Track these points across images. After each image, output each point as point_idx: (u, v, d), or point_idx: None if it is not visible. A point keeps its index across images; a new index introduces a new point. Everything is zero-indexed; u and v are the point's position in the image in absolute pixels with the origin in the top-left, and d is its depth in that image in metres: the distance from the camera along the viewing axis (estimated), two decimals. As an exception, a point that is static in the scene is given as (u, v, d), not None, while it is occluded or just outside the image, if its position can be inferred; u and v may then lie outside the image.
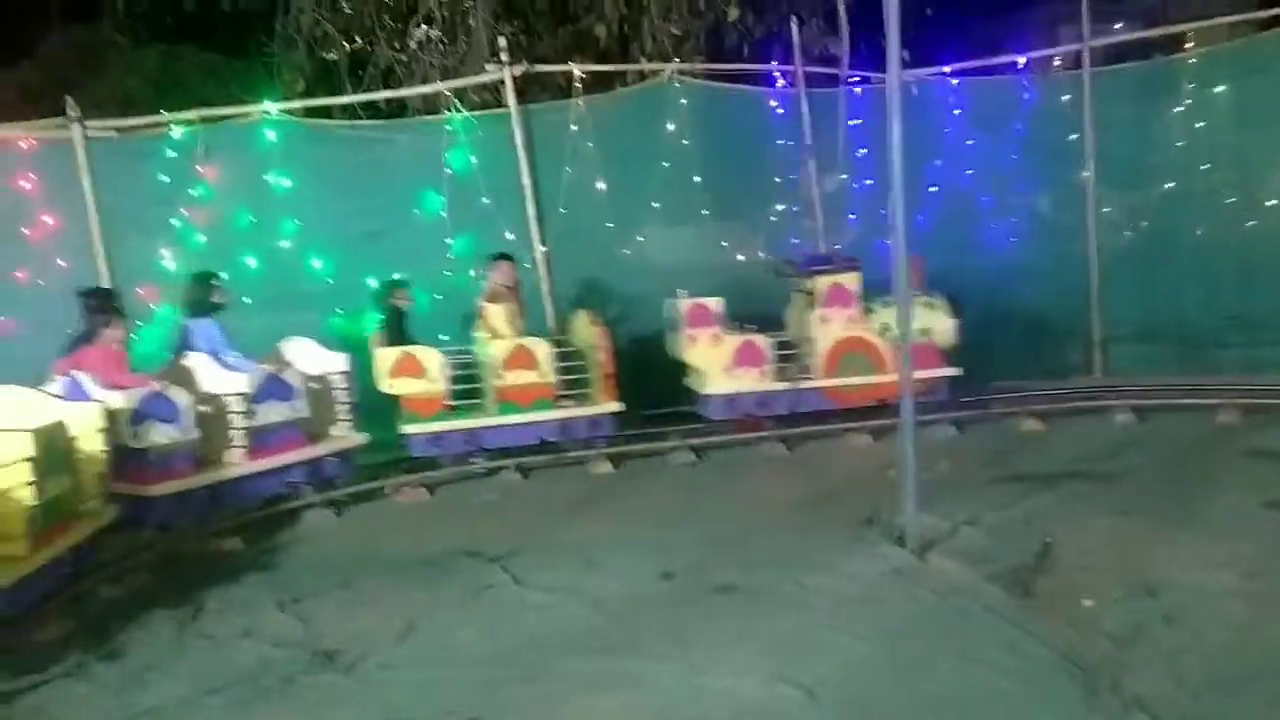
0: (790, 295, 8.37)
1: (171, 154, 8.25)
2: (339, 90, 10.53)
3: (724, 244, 9.27)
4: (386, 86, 10.58)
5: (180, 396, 6.18)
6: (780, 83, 9.56)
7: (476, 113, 8.99)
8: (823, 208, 9.61)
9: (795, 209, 9.64)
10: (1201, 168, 9.25)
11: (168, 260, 8.22)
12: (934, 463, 6.74)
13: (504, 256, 8.07)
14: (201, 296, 6.91)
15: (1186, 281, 9.06)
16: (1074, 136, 9.52)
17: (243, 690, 4.01)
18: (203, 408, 6.32)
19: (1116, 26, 10.99)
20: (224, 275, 7.25)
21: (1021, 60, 9.74)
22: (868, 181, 9.57)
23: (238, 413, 6.46)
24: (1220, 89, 9.29)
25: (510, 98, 8.72)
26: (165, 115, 8.33)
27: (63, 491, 5.06)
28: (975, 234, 9.77)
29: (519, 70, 8.78)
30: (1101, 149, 9.42)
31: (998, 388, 8.55)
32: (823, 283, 7.99)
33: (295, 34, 11.28)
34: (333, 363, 7.20)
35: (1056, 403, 8.12)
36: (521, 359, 7.49)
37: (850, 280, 8.00)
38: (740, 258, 9.42)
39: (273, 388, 6.70)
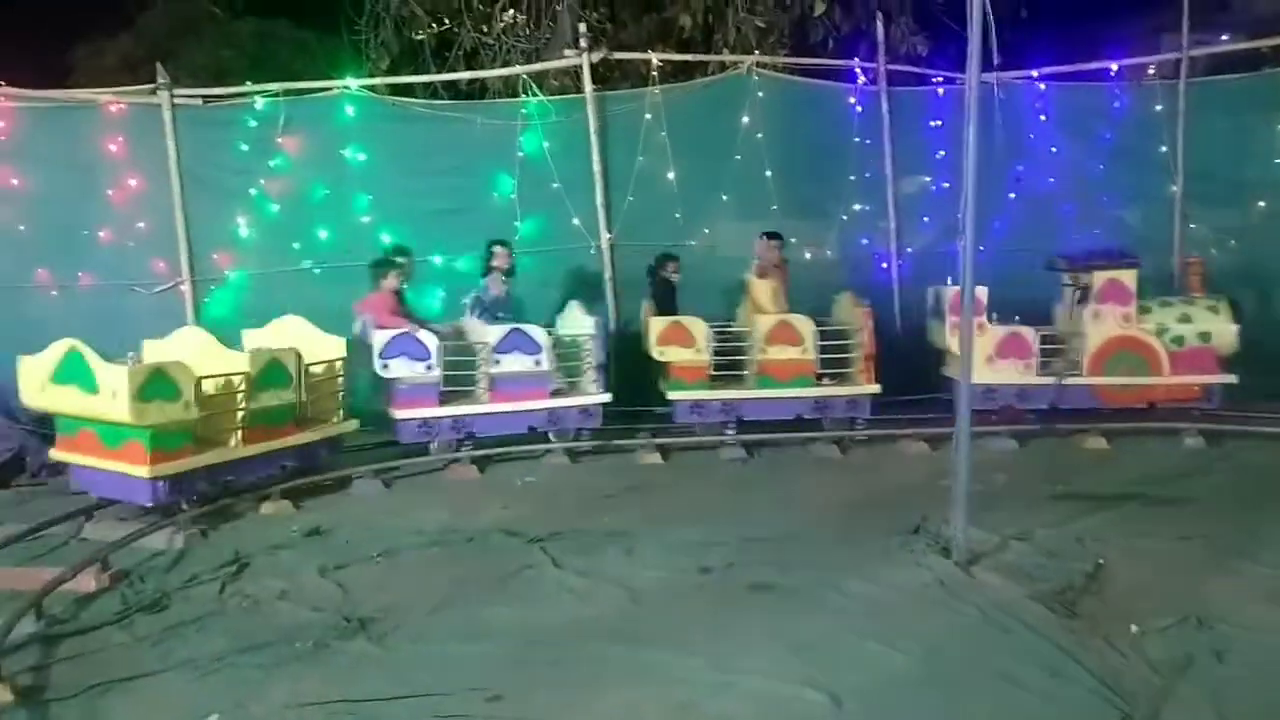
0: (1061, 290, 8.27)
1: (253, 124, 8.47)
2: (423, 70, 10.69)
3: (792, 240, 9.13)
4: (469, 69, 10.70)
5: (429, 340, 7.16)
6: (861, 80, 9.39)
7: (553, 98, 9.06)
8: (899, 209, 9.45)
9: (869, 208, 9.49)
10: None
11: (242, 227, 8.45)
12: (990, 475, 6.62)
13: (773, 234, 8.31)
14: (485, 261, 7.92)
15: (1275, 305, 8.67)
16: (1164, 149, 9.18)
17: (276, 651, 4.09)
18: (450, 354, 7.27)
19: (1223, 38, 10.56)
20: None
21: (1114, 67, 9.40)
22: (944, 184, 9.37)
23: (481, 359, 7.32)
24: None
25: (586, 84, 8.75)
26: (249, 86, 8.55)
27: (281, 404, 6.47)
28: (1054, 244, 9.47)
29: (597, 56, 8.79)
30: (1193, 163, 9.08)
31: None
32: (1098, 278, 7.85)
33: (384, 13, 11.46)
34: (586, 325, 7.63)
35: (1124, 421, 7.86)
36: (785, 335, 7.67)
37: (1127, 277, 7.82)
38: (807, 255, 9.29)
39: (517, 341, 7.35)
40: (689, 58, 9.97)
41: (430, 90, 9.89)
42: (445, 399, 7.31)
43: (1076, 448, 7.50)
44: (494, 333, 7.37)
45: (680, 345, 7.63)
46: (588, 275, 8.76)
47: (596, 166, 8.74)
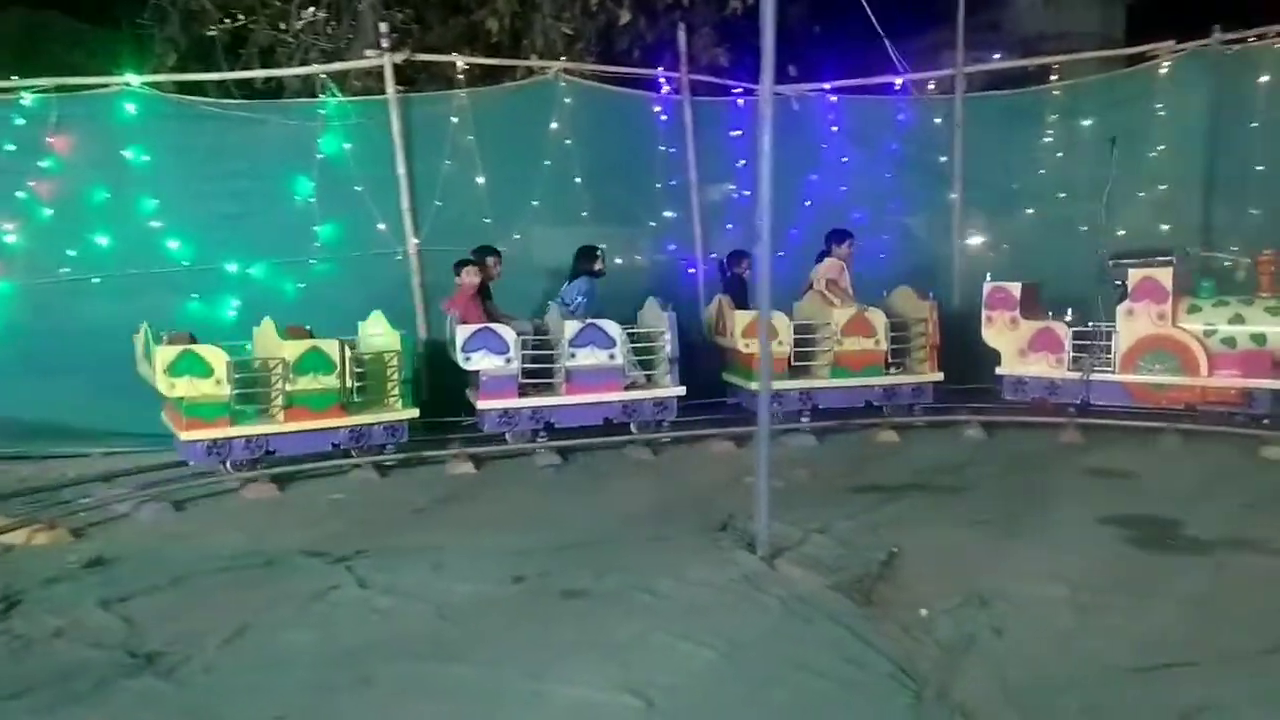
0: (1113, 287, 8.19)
1: (20, 122, 7.79)
2: (214, 67, 10.13)
3: (603, 246, 9.20)
4: (265, 67, 10.21)
5: (508, 334, 7.51)
6: (665, 89, 9.59)
7: (354, 99, 8.78)
8: (704, 216, 9.70)
9: (675, 215, 9.70)
10: (1059, 196, 9.65)
11: (10, 234, 7.76)
12: (792, 471, 6.90)
13: (847, 233, 8.80)
14: (582, 264, 8.35)
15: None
16: (944, 159, 9.84)
17: (51, 694, 3.76)
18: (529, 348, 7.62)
19: (995, 56, 11.41)
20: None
21: (898, 81, 10.00)
22: (745, 192, 9.70)
23: (558, 354, 7.66)
24: (1082, 121, 9.74)
25: (389, 85, 8.52)
26: (15, 81, 7.85)
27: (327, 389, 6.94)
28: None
29: (400, 57, 8.59)
30: (970, 172, 9.77)
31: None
32: (1134, 275, 7.83)
33: (170, 6, 10.79)
34: (661, 321, 7.89)
35: (913, 415, 8.37)
36: (859, 327, 8.12)
37: (1163, 275, 7.70)
38: (619, 262, 9.40)
39: (592, 336, 7.66)
40: (495, 62, 9.89)
41: (222, 89, 9.38)
42: (525, 391, 7.58)
43: (870, 441, 7.94)
44: (570, 327, 7.65)
45: None
46: (393, 281, 8.52)
47: (401, 170, 8.53)
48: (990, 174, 9.79)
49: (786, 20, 12.64)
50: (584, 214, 9.12)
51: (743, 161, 9.65)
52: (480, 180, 8.74)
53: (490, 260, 8.06)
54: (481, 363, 7.49)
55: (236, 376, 6.72)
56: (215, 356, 6.66)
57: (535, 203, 8.98)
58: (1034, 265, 9.65)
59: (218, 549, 5.51)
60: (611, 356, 7.72)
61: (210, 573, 5.11)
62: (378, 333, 7.47)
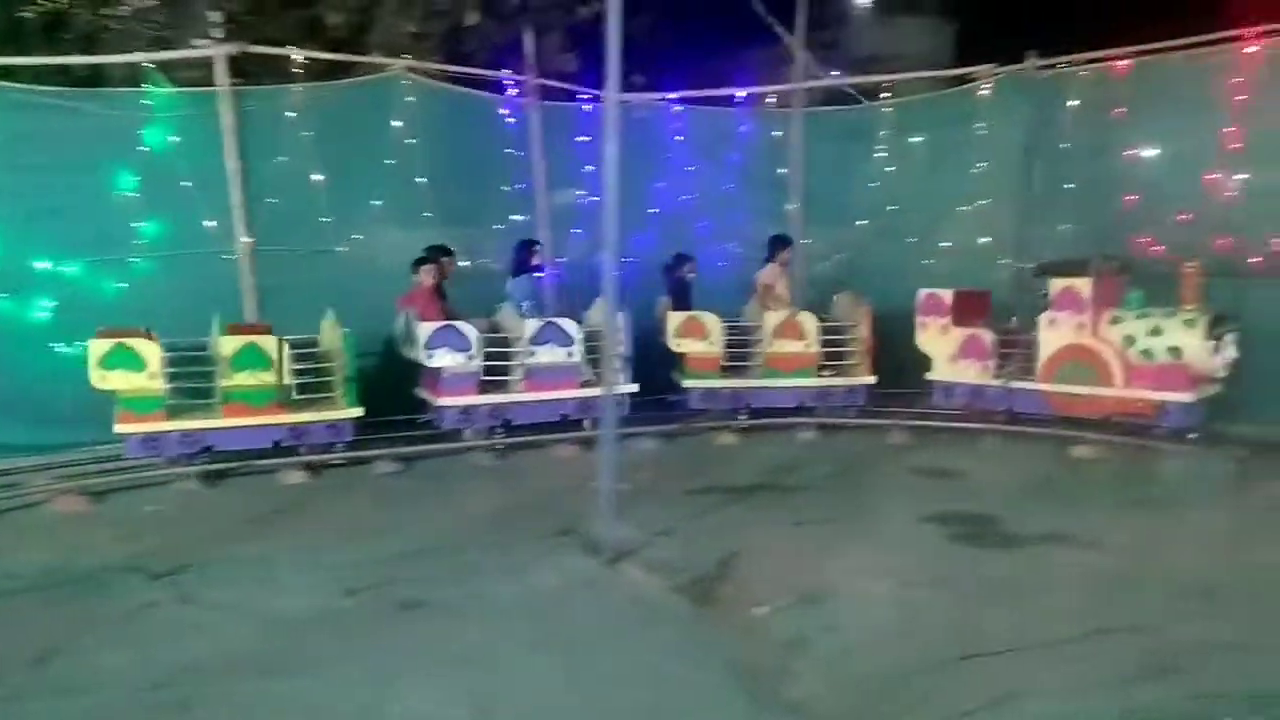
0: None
1: None
2: (27, 51, 9.40)
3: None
4: (87, 54, 9.55)
5: (470, 331, 7.60)
6: (512, 92, 9.51)
7: (182, 90, 8.33)
8: (553, 221, 9.67)
9: (523, 219, 9.63)
10: (889, 209, 10.10)
11: None
12: (636, 474, 6.94)
13: (786, 240, 9.16)
14: (522, 259, 8.67)
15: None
16: (783, 171, 10.15)
17: None
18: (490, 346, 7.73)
19: (834, 73, 11.83)
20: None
21: (741, 94, 10.24)
22: (594, 198, 9.71)
23: (518, 351, 7.75)
24: (910, 138, 10.23)
25: (220, 77, 8.11)
26: None
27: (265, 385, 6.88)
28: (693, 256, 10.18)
29: (232, 48, 8.19)
30: (808, 184, 10.10)
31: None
32: (1055, 285, 7.84)
33: (-24, -16, 9.96)
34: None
35: (754, 418, 8.57)
36: (791, 330, 8.39)
37: (1082, 285, 7.66)
38: (465, 264, 9.24)
39: (552, 334, 7.83)
40: (335, 57, 9.55)
41: (36, 76, 8.71)
42: (484, 388, 7.67)
43: (711, 444, 8.09)
44: (530, 325, 7.81)
45: (695, 338, 8.44)
46: (224, 281, 8.12)
47: (232, 165, 8.13)
48: (826, 186, 10.14)
49: (633, 30, 12.80)
50: (428, 215, 8.92)
51: (590, 167, 9.66)
52: (318, 178, 8.43)
53: (445, 260, 8.27)
54: (444, 359, 7.53)
55: (169, 370, 6.60)
56: (148, 350, 6.57)
57: (377, 202, 8.73)
58: (867, 273, 10.08)
59: (22, 567, 5.12)
60: (570, 354, 7.84)
61: (14, 593, 4.75)
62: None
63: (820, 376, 8.55)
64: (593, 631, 4.32)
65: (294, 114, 8.37)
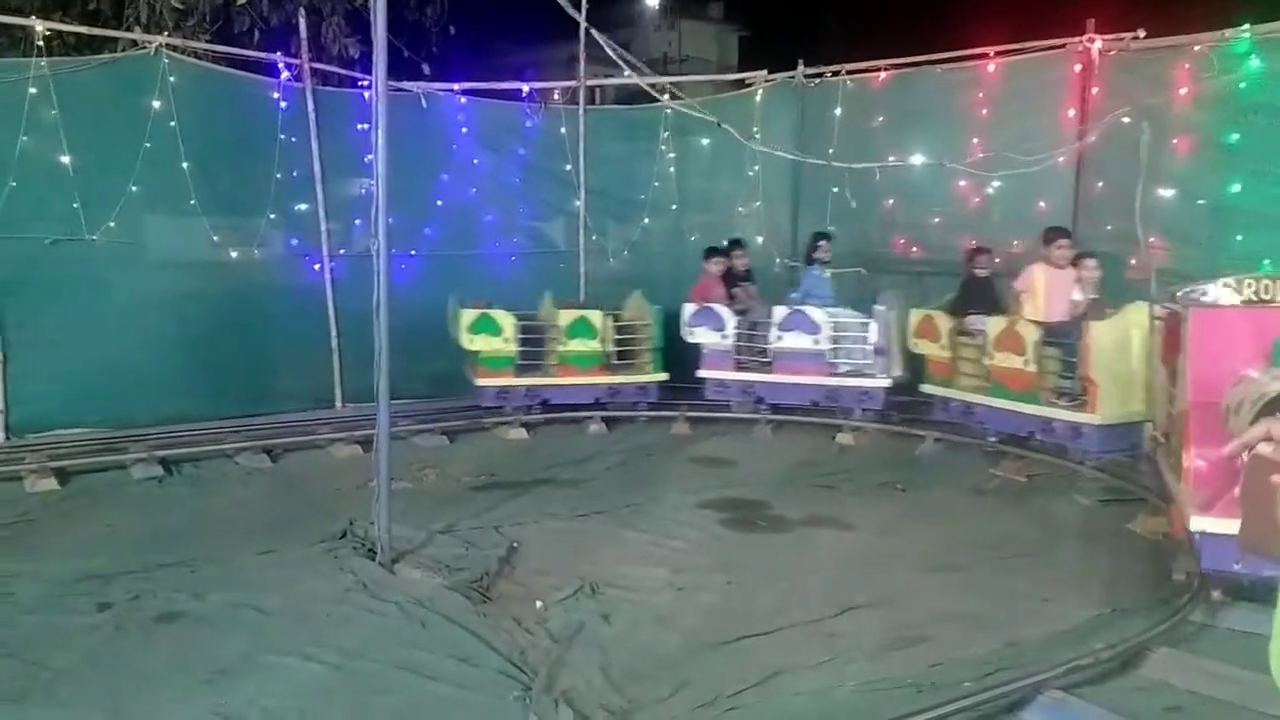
0: None
1: None
2: None
3: (215, 238, 8.58)
4: None
5: (726, 314, 8.56)
6: (285, 75, 9.10)
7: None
8: (334, 211, 9.33)
9: (298, 208, 9.24)
10: (673, 207, 10.39)
11: None
12: (419, 472, 6.85)
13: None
14: (809, 251, 9.15)
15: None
16: (569, 167, 10.24)
17: None
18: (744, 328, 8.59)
19: (626, 73, 12.01)
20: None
21: (526, 88, 10.24)
22: (374, 188, 9.42)
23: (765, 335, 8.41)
24: (691, 139, 10.56)
25: (-52, 45, 7.35)
26: None
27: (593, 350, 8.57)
28: (479, 250, 10.12)
29: (-41, 15, 7.43)
30: (593, 182, 10.23)
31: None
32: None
33: None
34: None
35: (541, 413, 8.63)
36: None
37: None
38: (234, 255, 8.78)
39: (798, 321, 8.28)
40: (84, 30, 8.84)
41: None
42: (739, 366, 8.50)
43: (500, 439, 8.07)
44: (778, 312, 8.31)
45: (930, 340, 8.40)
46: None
47: (-35, 144, 7.38)
48: (611, 183, 10.31)
49: (423, 20, 12.53)
50: (192, 202, 8.39)
51: (371, 156, 9.35)
52: (65, 160, 7.77)
53: (736, 253, 9.23)
54: (702, 338, 8.49)
55: (520, 336, 8.32)
56: (505, 319, 8.33)
57: (134, 188, 8.13)
58: (652, 270, 10.34)
59: None
60: (816, 342, 8.13)
61: None
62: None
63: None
64: (365, 635, 4.19)
65: (35, 90, 7.66)
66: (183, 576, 4.83)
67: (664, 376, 8.79)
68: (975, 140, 8.84)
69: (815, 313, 8.30)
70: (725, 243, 9.40)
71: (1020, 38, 8.71)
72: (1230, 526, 3.91)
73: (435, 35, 12.48)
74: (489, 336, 8.35)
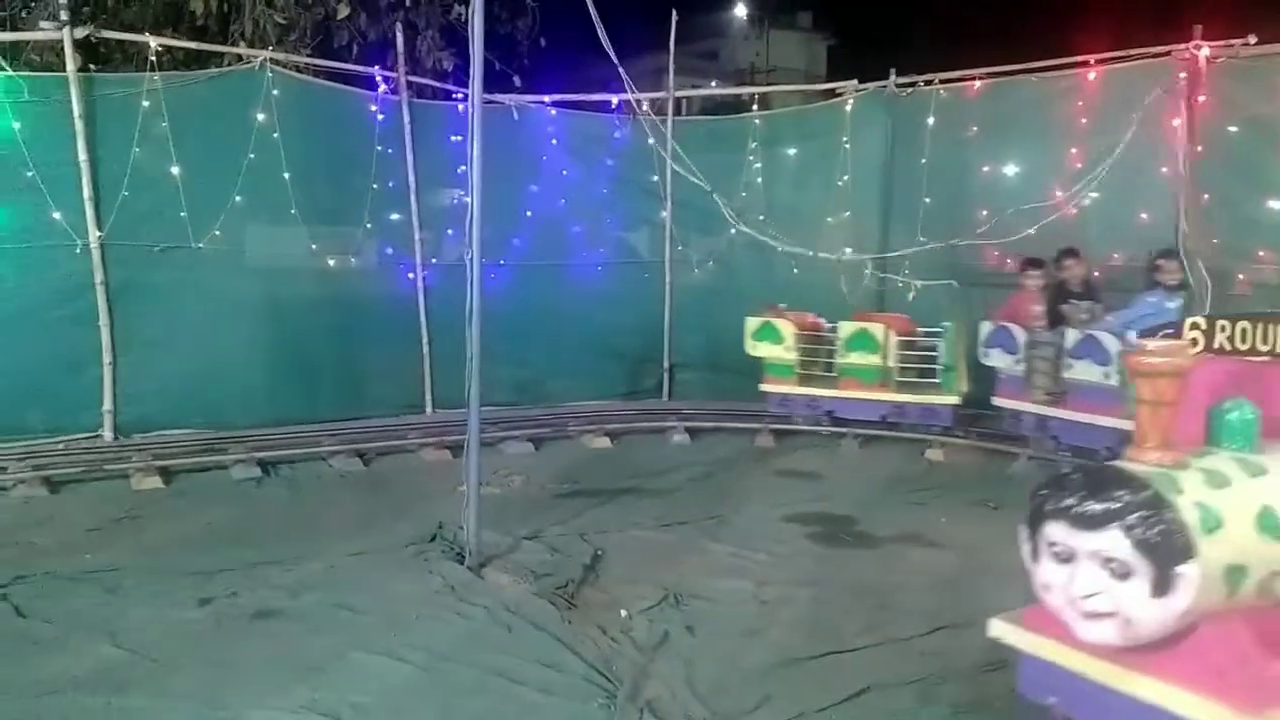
0: None
1: None
2: None
3: (314, 246, 8.84)
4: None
5: (1019, 335, 7.61)
6: (383, 89, 9.35)
7: (27, 74, 7.88)
8: (428, 221, 9.54)
9: (393, 218, 9.47)
10: (759, 218, 10.35)
11: None
12: (507, 479, 6.94)
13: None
14: (1149, 271, 7.48)
15: (737, 315, 9.94)
16: (655, 178, 10.28)
17: None
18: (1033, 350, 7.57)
19: (713, 83, 12.03)
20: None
21: (615, 100, 10.32)
22: (467, 199, 9.60)
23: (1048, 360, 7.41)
24: (780, 149, 10.50)
25: (69, 62, 7.71)
26: None
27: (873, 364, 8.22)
28: (566, 260, 10.22)
29: (81, 32, 7.80)
30: (679, 192, 10.25)
31: (572, 407, 9.01)
32: None
33: None
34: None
35: (626, 422, 8.67)
36: None
37: None
38: (331, 262, 9.04)
39: (1090, 349, 7.01)
40: (194, 45, 9.23)
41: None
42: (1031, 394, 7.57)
43: (585, 447, 8.13)
44: (1070, 335, 7.20)
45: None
46: (72, 275, 7.73)
47: (83, 156, 7.73)
48: (698, 194, 10.32)
49: (514, 33, 12.76)
50: (293, 212, 8.67)
51: (464, 167, 9.55)
52: (175, 171, 8.10)
53: (1069, 263, 7.87)
54: (994, 360, 7.76)
55: (800, 346, 8.38)
56: (786, 327, 8.40)
57: (238, 198, 8.43)
58: (737, 281, 10.31)
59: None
60: (1106, 375, 6.91)
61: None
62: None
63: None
64: (453, 637, 4.26)
65: (149, 103, 8.01)
66: (278, 574, 4.97)
67: (955, 400, 8.10)
68: (1073, 150, 8.60)
69: (1108, 338, 6.95)
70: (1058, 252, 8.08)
71: (1122, 45, 8.46)
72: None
73: (527, 47, 12.68)
74: (771, 344, 8.48)
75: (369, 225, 9.30)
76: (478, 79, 5.02)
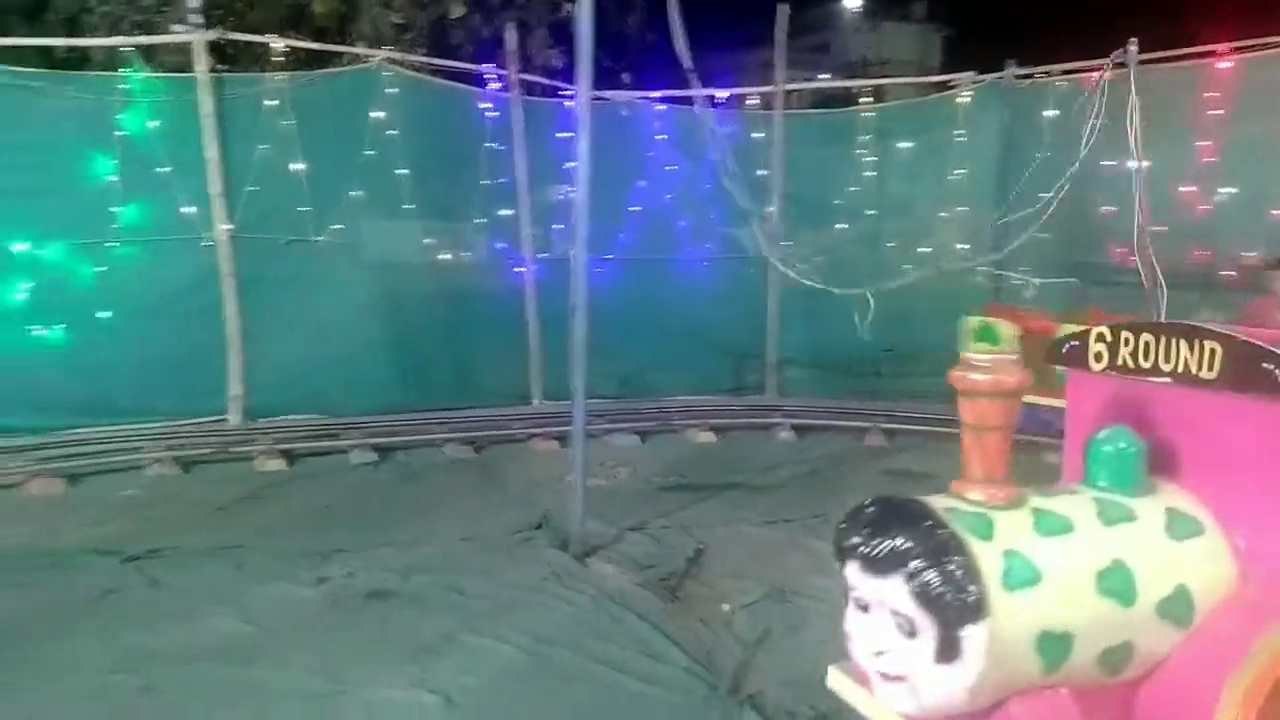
0: None
1: None
2: (8, 33, 9.35)
3: (427, 241, 9.09)
4: (70, 36, 9.51)
5: None
6: (494, 86, 9.52)
7: (162, 75, 8.31)
8: (536, 217, 9.69)
9: (503, 213, 9.65)
10: (869, 213, 10.17)
11: None
12: (613, 470, 7.01)
13: None
14: None
15: (850, 314, 9.85)
16: (764, 172, 10.20)
17: None
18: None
19: (823, 76, 11.88)
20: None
21: (722, 94, 10.28)
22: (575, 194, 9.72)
23: None
24: (892, 142, 10.29)
25: (200, 63, 8.10)
26: None
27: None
28: (672, 255, 10.24)
29: (211, 35, 8.18)
30: (788, 187, 10.15)
31: (677, 401, 9.02)
32: None
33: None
34: None
35: (730, 417, 8.63)
36: None
37: None
38: (443, 256, 9.27)
39: None
40: (315, 45, 9.55)
41: (22, 59, 8.67)
42: None
43: (689, 442, 8.14)
44: None
45: None
46: (200, 267, 8.13)
47: (212, 152, 8.11)
48: (806, 189, 10.20)
49: (624, 29, 12.86)
50: (407, 207, 8.93)
51: (572, 163, 9.66)
52: (298, 167, 8.42)
53: None
54: None
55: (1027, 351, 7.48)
56: (1006, 329, 7.31)
57: (356, 193, 8.72)
58: (845, 277, 10.12)
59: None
60: None
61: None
62: None
63: None
64: (558, 624, 4.35)
65: (273, 102, 8.35)
66: (392, 556, 5.14)
67: None
68: (1206, 143, 8.21)
69: None
70: None
71: (1257, 33, 8.02)
72: None
73: (635, 44, 12.77)
74: (989, 345, 7.69)
75: (480, 220, 9.50)
76: (586, 76, 5.06)
